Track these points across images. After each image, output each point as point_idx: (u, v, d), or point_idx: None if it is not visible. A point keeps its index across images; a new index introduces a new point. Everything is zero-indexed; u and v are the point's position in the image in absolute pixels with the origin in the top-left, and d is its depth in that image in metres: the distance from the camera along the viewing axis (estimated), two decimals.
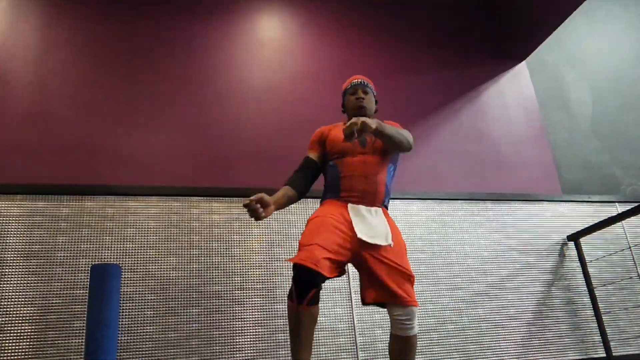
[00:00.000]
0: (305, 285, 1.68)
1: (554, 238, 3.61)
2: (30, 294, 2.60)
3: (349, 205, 1.94)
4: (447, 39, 4.26)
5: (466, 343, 3.10)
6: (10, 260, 2.65)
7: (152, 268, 2.80)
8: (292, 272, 1.71)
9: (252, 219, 1.85)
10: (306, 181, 2.08)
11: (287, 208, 3.18)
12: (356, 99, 2.14)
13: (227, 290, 2.85)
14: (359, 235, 1.83)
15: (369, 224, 1.89)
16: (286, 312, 2.88)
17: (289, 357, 2.79)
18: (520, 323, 3.26)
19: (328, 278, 1.74)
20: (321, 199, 2.10)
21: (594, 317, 3.37)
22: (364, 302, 1.90)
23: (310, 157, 2.13)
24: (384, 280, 1.82)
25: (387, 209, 2.07)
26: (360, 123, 1.79)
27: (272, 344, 2.79)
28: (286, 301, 2.90)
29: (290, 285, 1.72)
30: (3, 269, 2.62)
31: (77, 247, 2.75)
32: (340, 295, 3.00)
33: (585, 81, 4.53)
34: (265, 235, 3.06)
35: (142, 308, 2.70)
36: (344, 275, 2.98)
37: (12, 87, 3.12)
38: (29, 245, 2.70)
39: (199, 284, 2.83)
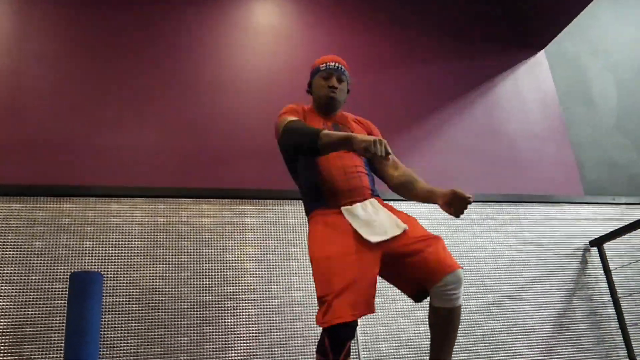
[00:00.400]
0: (344, 340, 1.63)
1: (576, 243, 3.59)
2: (3, 304, 2.58)
3: (343, 211, 1.85)
4: (457, 25, 4.24)
5: (479, 358, 3.09)
6: None
7: (136, 276, 2.78)
8: (320, 330, 1.66)
9: (381, 149, 1.66)
10: None
11: (285, 211, 3.17)
12: (329, 87, 2.04)
13: (218, 300, 2.84)
14: (373, 240, 1.74)
15: (373, 222, 1.81)
16: (283, 324, 2.86)
17: None
18: (539, 336, 3.24)
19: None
20: (306, 210, 1.99)
21: (619, 330, 3.35)
22: (419, 297, 1.82)
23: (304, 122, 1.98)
24: (420, 261, 1.75)
25: (380, 197, 1.99)
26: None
27: (268, 359, 2.78)
28: (289, 318, 2.89)
29: (319, 339, 1.68)
30: None
31: (55, 253, 2.74)
32: None
33: (610, 72, 4.51)
34: (260, 240, 3.04)
35: (125, 320, 2.68)
36: None
37: None
38: (3, 250, 2.68)
39: (188, 293, 2.81)
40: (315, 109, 2.11)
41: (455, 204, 1.77)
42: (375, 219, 1.83)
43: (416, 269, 1.77)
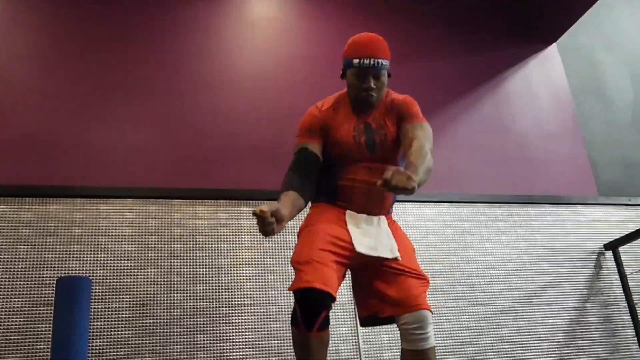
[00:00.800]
0: (314, 308, 1.61)
1: (589, 247, 3.58)
2: None
3: (347, 212, 1.85)
4: (464, 17, 4.24)
5: None
6: None
7: (126, 281, 2.78)
8: (293, 296, 1.66)
9: (261, 233, 1.56)
10: (312, 185, 1.84)
11: None
12: (364, 88, 1.85)
13: (213, 307, 2.83)
14: (358, 248, 1.75)
15: (370, 234, 1.82)
16: (282, 331, 2.86)
17: None
18: (551, 344, 3.24)
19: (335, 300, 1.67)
20: (313, 200, 1.96)
21: (635, 338, 3.35)
22: (364, 322, 1.83)
23: (310, 149, 1.86)
24: (387, 290, 1.75)
25: (392, 213, 1.98)
26: (397, 185, 1.43)
27: None
28: (287, 325, 2.88)
29: (292, 308, 1.68)
30: None
31: (41, 257, 2.73)
32: (343, 313, 2.99)
33: (625, 66, 4.51)
34: (257, 244, 3.04)
35: (115, 327, 2.68)
36: (349, 291, 2.96)
37: None
38: None
39: (181, 299, 2.81)
40: (349, 100, 1.95)
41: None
42: (373, 234, 1.83)
43: (381, 293, 1.76)
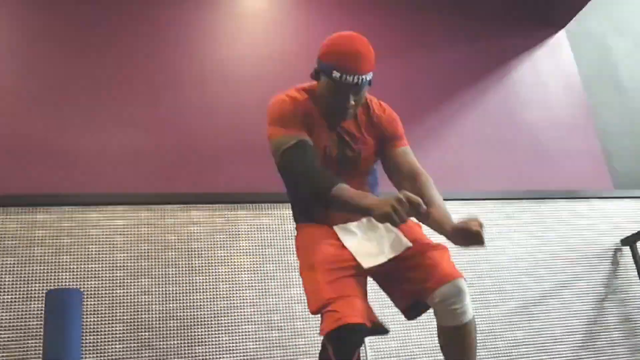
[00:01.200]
0: (349, 346, 1.55)
1: (606, 242, 3.57)
2: None
3: (335, 229, 1.77)
4: (469, 4, 4.21)
5: None
6: None
7: (119, 292, 2.76)
8: (322, 337, 1.60)
9: (400, 221, 1.46)
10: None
11: (283, 215, 3.16)
12: (341, 106, 1.71)
13: (211, 317, 2.82)
14: (366, 266, 1.67)
15: (370, 239, 1.76)
16: (284, 340, 2.84)
17: None
18: (567, 346, 3.22)
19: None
20: (295, 218, 1.92)
21: None
22: (408, 314, 1.76)
23: (309, 142, 1.71)
24: (413, 274, 1.66)
25: None
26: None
27: None
28: (290, 334, 2.87)
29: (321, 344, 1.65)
30: None
31: (29, 270, 2.71)
32: None
33: (639, 52, 4.50)
34: (256, 249, 3.02)
35: (109, 341, 2.66)
36: None
37: None
38: None
39: (177, 309, 2.79)
40: (319, 107, 1.81)
41: (466, 237, 1.67)
42: (371, 237, 1.77)
43: (409, 277, 1.68)
